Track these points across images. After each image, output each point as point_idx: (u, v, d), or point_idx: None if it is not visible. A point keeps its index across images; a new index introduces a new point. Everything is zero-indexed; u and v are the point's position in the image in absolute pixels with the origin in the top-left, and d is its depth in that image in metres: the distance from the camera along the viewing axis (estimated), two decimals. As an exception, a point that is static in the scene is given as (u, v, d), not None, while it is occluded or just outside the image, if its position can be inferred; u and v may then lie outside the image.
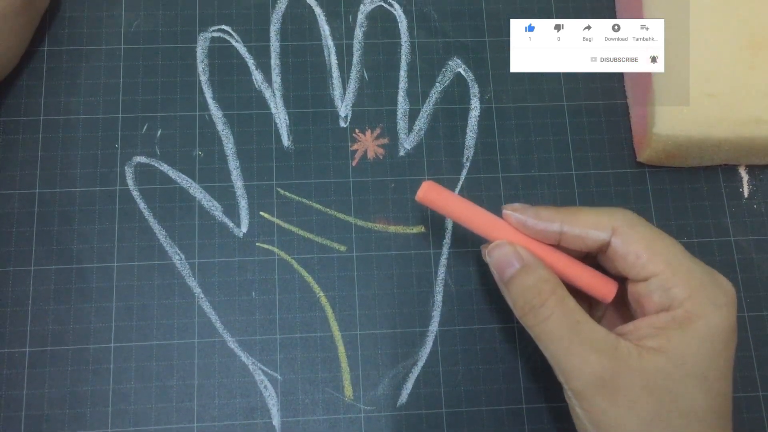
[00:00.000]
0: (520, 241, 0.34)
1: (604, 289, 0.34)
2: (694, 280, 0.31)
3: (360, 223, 0.41)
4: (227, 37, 0.43)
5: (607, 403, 0.30)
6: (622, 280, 0.34)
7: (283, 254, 0.40)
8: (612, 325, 0.34)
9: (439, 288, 0.40)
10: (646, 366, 0.30)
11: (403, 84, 0.43)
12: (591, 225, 0.33)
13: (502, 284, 0.34)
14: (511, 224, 0.34)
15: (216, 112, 0.42)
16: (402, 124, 0.43)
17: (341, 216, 0.41)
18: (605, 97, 0.44)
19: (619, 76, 0.44)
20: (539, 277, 0.33)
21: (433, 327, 0.39)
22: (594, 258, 0.35)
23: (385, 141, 0.42)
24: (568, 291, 0.33)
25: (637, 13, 0.41)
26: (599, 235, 0.33)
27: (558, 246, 0.34)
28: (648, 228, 0.33)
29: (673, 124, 0.39)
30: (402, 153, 0.42)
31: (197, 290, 0.39)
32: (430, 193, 0.35)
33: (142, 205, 0.40)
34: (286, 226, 0.41)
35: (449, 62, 0.44)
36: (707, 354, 0.30)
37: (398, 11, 0.44)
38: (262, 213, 0.41)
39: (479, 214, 0.35)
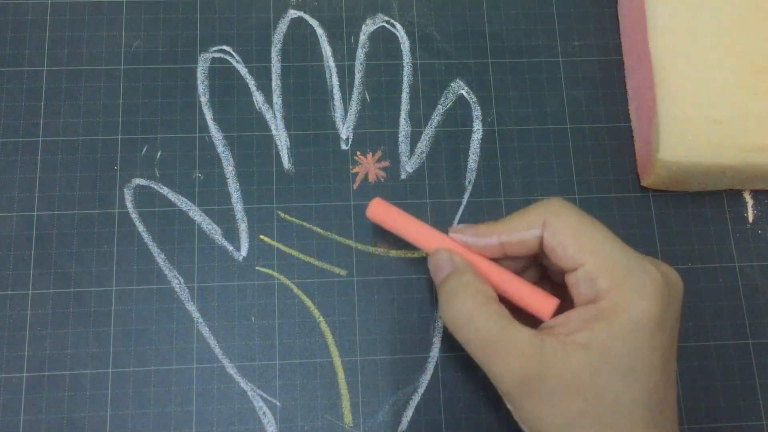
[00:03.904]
0: (464, 258, 0.34)
1: (541, 306, 0.33)
2: (619, 270, 0.30)
3: (361, 247, 0.40)
4: (228, 58, 0.43)
5: (532, 403, 0.31)
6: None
7: (283, 278, 0.40)
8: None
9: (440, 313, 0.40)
10: (571, 364, 0.30)
11: (404, 106, 0.43)
12: (523, 227, 0.33)
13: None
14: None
15: (216, 134, 0.42)
16: (404, 146, 0.42)
17: (342, 240, 0.41)
18: (609, 120, 0.43)
19: (624, 99, 0.43)
20: (462, 281, 0.33)
21: (434, 353, 0.39)
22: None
23: (386, 164, 0.42)
24: (495, 296, 0.33)
25: (642, 38, 0.41)
26: (533, 233, 0.33)
27: (507, 259, 0.34)
28: (575, 216, 0.32)
29: (677, 150, 0.38)
30: (404, 176, 0.42)
31: (196, 315, 0.39)
32: (376, 210, 0.37)
33: (141, 228, 0.40)
34: (286, 249, 0.40)
35: (451, 84, 0.43)
36: (633, 346, 0.30)
37: (400, 32, 0.44)
38: (262, 236, 0.40)
39: (427, 231, 0.36)
